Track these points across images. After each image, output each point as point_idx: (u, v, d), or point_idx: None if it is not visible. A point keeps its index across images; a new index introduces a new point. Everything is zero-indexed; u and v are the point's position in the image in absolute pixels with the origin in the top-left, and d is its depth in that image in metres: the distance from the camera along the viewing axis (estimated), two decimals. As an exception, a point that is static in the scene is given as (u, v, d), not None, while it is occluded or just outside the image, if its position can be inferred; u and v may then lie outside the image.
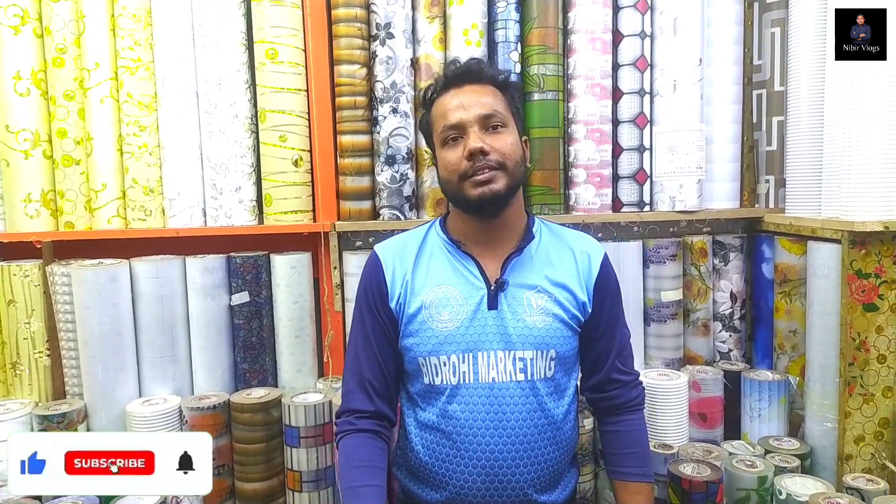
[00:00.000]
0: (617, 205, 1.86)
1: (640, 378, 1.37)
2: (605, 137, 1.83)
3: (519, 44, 1.80)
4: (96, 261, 1.71)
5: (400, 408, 1.36)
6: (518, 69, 1.79)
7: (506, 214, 1.25)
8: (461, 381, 1.21)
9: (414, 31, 1.78)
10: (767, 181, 1.87)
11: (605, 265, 1.30)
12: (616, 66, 1.84)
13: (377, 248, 1.33)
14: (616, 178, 1.86)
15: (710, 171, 1.87)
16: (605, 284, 1.29)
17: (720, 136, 1.87)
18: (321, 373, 1.83)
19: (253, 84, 1.76)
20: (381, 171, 1.75)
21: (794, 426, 1.75)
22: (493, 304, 1.22)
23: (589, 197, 1.82)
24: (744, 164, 1.91)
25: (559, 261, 1.28)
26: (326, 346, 1.77)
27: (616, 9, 1.83)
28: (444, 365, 1.22)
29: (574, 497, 1.34)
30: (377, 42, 1.74)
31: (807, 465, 1.61)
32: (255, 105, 1.77)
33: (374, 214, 1.79)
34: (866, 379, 1.55)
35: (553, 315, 1.23)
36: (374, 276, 1.28)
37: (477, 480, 1.20)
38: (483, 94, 1.23)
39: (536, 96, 1.80)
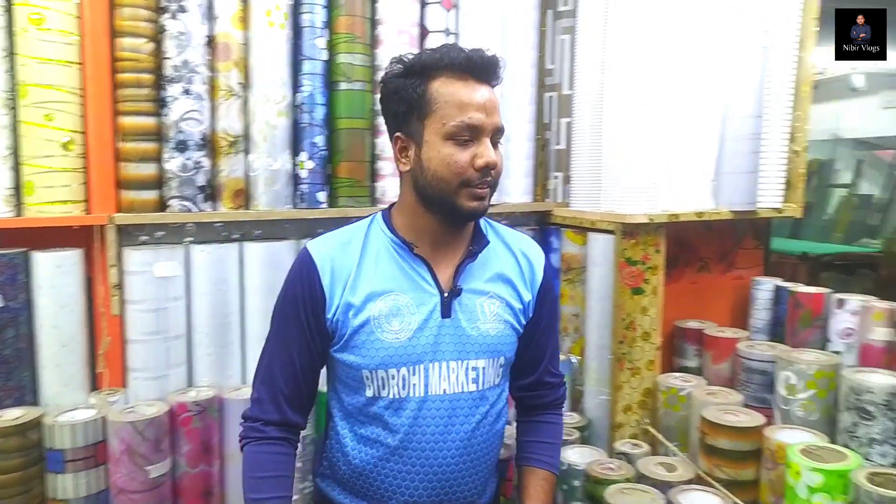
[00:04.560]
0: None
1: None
2: (411, 130, 1.85)
3: (327, 30, 1.76)
4: None
5: (328, 416, 1.26)
6: (325, 56, 1.75)
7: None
8: (410, 395, 1.15)
9: (210, 7, 1.66)
10: (556, 177, 2.04)
11: (548, 269, 1.30)
12: (422, 61, 1.87)
13: (311, 248, 1.18)
14: (422, 170, 1.90)
15: (508, 167, 1.98)
16: (548, 289, 1.30)
17: (517, 135, 1.99)
18: (95, 385, 1.63)
19: (11, 53, 1.52)
20: (171, 157, 1.62)
21: (576, 402, 1.94)
22: (446, 312, 1.16)
23: (395, 190, 1.83)
24: (537, 161, 2.06)
25: (506, 264, 1.25)
26: (101, 354, 1.60)
27: (423, 4, 1.86)
28: (393, 378, 1.14)
29: (497, 495, 1.36)
30: (167, 15, 1.60)
31: (585, 435, 1.78)
32: (13, 77, 1.53)
33: (162, 205, 1.64)
34: (633, 355, 1.75)
35: (505, 321, 1.21)
36: (307, 282, 1.14)
37: (424, 493, 1.16)
38: (496, 100, 1.14)
39: (343, 86, 1.77)
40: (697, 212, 1.77)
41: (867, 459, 1.30)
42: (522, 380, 1.33)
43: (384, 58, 1.80)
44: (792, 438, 1.37)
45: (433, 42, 1.86)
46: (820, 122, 6.72)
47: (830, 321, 1.63)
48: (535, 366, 1.32)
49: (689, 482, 1.43)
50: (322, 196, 1.77)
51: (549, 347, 1.33)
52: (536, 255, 1.29)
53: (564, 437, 1.69)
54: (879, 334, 1.52)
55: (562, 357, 1.91)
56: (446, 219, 1.16)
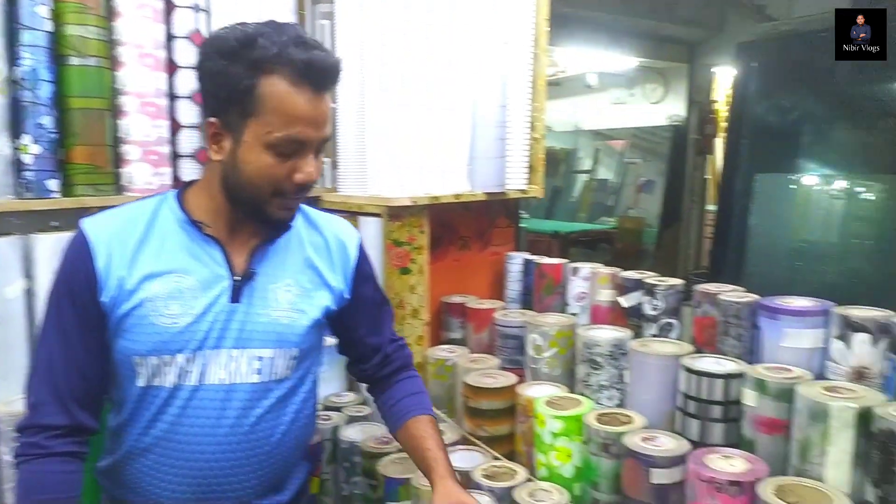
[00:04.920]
0: (179, 184, 1.77)
1: None
2: (161, 112, 1.71)
3: (50, -3, 1.54)
4: None
5: None
6: (49, 27, 1.53)
7: None
8: (183, 384, 1.07)
9: None
10: (324, 162, 2.04)
11: (362, 250, 1.29)
12: (171, 38, 1.73)
13: (86, 226, 1.07)
14: (175, 156, 1.77)
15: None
16: (365, 271, 1.28)
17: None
18: None
19: None
20: None
21: (354, 382, 1.97)
22: (235, 297, 1.10)
23: (146, 176, 1.69)
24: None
25: (313, 249, 1.19)
26: None
27: (166, -26, 1.72)
28: (167, 365, 1.07)
29: (304, 493, 1.26)
30: None
31: (365, 414, 1.83)
32: None
33: None
34: (404, 332, 1.84)
35: (300, 311, 1.14)
36: (80, 264, 1.05)
37: (188, 489, 1.07)
38: (329, 109, 1.07)
39: (75, 61, 1.57)
40: (456, 194, 1.90)
41: (598, 403, 1.51)
42: (370, 362, 1.32)
43: (124, 32, 1.63)
44: (539, 393, 1.54)
45: (181, 19, 1.72)
46: (564, 115, 7.64)
47: (568, 287, 1.87)
48: (378, 346, 1.32)
49: (455, 443, 1.55)
50: (53, 184, 1.55)
51: (385, 323, 1.34)
52: (349, 236, 1.28)
53: (349, 415, 1.72)
54: (604, 296, 1.77)
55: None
56: (249, 218, 1.12)
